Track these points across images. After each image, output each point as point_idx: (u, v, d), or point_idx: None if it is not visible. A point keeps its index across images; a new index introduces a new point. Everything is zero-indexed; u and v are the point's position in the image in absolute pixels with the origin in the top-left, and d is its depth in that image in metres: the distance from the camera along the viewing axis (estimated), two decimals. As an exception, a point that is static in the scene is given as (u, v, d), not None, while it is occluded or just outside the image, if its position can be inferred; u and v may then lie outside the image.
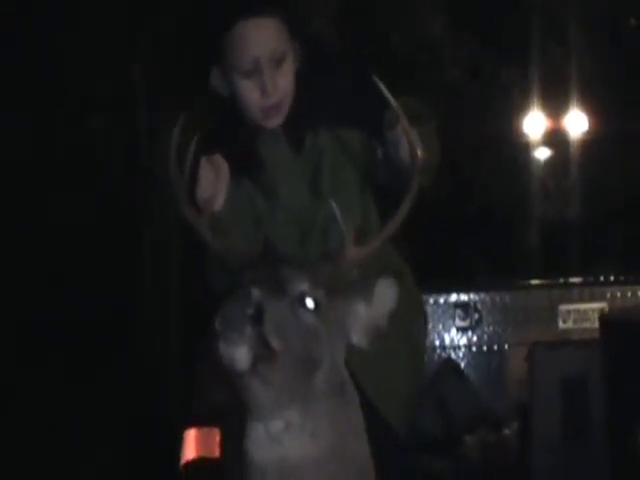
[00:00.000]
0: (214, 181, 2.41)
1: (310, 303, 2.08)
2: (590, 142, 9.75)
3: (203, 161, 2.39)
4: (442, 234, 8.38)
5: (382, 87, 2.27)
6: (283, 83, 2.53)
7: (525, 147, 9.89)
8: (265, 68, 2.48)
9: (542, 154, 10.06)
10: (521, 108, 9.90)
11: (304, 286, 2.08)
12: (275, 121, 2.57)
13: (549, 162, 10.06)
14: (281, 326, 2.02)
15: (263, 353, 2.00)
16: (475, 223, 8.75)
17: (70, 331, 7.40)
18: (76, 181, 7.79)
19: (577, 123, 9.79)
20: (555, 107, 9.80)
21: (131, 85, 8.09)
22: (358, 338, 2.16)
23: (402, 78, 9.53)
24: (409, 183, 2.25)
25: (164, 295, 7.80)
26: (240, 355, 1.98)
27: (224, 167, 2.45)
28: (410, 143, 2.30)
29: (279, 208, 2.59)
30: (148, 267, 8.09)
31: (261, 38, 2.49)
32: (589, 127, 9.81)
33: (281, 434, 2.07)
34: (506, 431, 5.73)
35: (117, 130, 8.24)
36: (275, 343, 2.01)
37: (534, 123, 9.80)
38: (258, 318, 1.99)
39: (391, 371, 2.59)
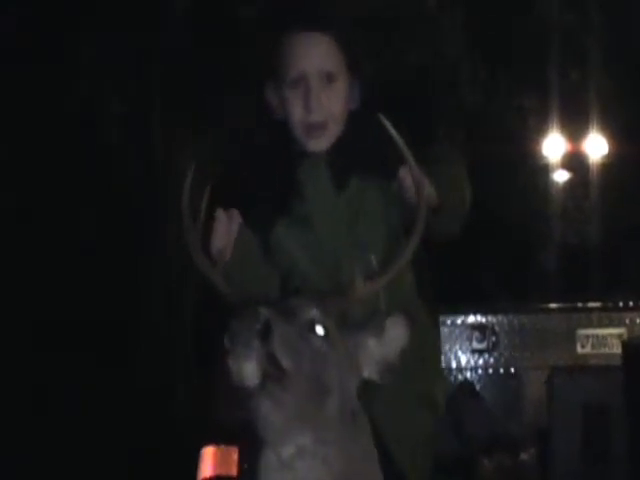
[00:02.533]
0: (228, 232, 2.36)
1: (320, 330, 2.08)
2: (609, 165, 9.72)
3: (219, 212, 2.35)
4: (460, 256, 8.34)
5: (388, 125, 2.22)
6: (330, 104, 2.46)
7: (545, 170, 9.86)
8: (311, 83, 2.45)
9: (561, 177, 10.03)
10: (541, 131, 9.87)
11: (313, 313, 2.10)
12: (318, 143, 2.49)
13: (568, 185, 10.03)
14: (290, 346, 2.02)
15: (272, 372, 1.99)
16: (494, 245, 8.73)
17: (81, 348, 7.38)
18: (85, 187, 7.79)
19: (597, 146, 9.76)
20: (575, 130, 9.77)
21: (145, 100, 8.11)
22: (369, 372, 2.17)
23: (419, 101, 9.57)
24: (415, 223, 2.22)
25: (177, 311, 7.79)
26: (248, 370, 1.98)
27: (236, 216, 2.39)
28: (416, 183, 2.26)
29: (312, 240, 2.54)
30: (158, 284, 8.08)
31: (311, 53, 2.46)
32: (609, 150, 9.77)
33: (293, 460, 2.04)
34: (523, 455, 5.68)
35: (130, 143, 8.24)
36: (284, 362, 2.00)
37: (554, 146, 9.77)
38: (266, 334, 1.99)
39: (408, 420, 2.56)
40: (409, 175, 2.29)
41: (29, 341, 7.35)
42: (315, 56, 2.46)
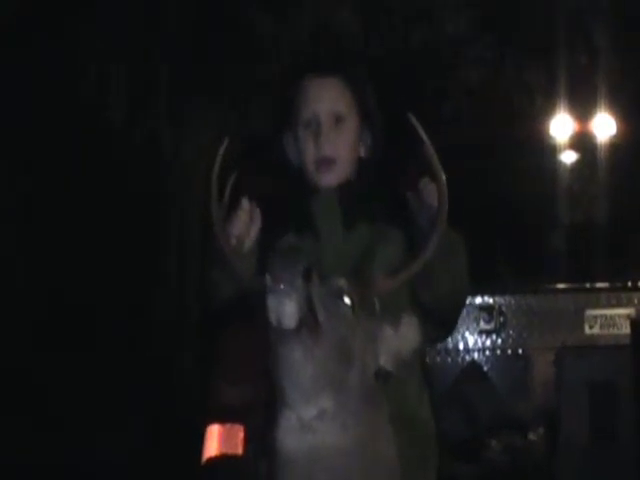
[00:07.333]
0: (246, 223, 2.52)
1: (347, 300, 2.14)
2: (618, 145, 9.64)
3: (244, 202, 2.51)
4: (466, 237, 8.30)
5: (419, 127, 2.31)
6: (339, 142, 2.67)
7: (552, 150, 9.79)
8: (322, 122, 2.66)
9: (569, 157, 9.96)
10: (548, 110, 9.80)
11: (342, 282, 2.16)
12: (328, 178, 2.67)
13: (576, 165, 9.96)
14: (324, 303, 2.08)
15: (309, 319, 2.04)
16: (501, 226, 8.69)
17: (86, 323, 7.38)
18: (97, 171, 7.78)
19: (605, 126, 9.68)
20: (582, 110, 9.70)
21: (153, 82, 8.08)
22: (385, 360, 2.22)
23: (425, 79, 9.53)
24: (436, 222, 2.33)
25: (184, 288, 7.78)
26: (289, 310, 2.02)
27: (257, 214, 2.54)
28: (439, 188, 2.35)
29: (317, 265, 2.62)
30: (168, 260, 8.09)
31: (323, 96, 2.69)
32: (617, 130, 9.71)
33: (314, 422, 2.08)
34: (532, 436, 5.67)
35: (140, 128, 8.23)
36: (320, 314, 2.06)
37: (561, 126, 9.70)
38: (308, 276, 2.04)
39: None
40: (431, 185, 2.43)
41: (35, 308, 7.37)
42: (326, 99, 2.70)
